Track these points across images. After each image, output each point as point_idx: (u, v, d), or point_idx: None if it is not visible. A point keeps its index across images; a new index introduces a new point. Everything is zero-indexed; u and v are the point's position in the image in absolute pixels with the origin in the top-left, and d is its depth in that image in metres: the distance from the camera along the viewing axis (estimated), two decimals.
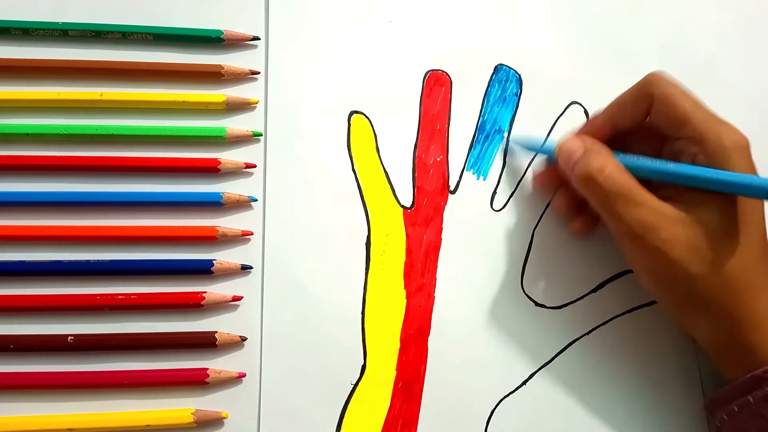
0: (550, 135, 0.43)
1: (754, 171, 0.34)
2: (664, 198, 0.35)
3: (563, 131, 0.40)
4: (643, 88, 0.36)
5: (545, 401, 0.38)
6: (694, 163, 0.35)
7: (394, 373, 0.38)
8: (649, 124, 0.37)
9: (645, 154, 0.37)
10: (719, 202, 0.34)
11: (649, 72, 0.37)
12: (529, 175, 0.42)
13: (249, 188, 0.40)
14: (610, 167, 0.35)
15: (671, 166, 0.35)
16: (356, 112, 0.41)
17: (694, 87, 0.44)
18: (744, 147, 0.34)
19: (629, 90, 0.37)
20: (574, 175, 0.36)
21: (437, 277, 0.39)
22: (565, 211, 0.40)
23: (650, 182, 0.36)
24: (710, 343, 0.36)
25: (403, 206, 0.40)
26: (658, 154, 0.37)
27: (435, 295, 0.39)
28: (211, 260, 0.38)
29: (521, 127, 0.42)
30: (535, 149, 0.42)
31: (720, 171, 0.34)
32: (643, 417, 0.39)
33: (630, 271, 0.41)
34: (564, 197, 0.40)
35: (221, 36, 0.41)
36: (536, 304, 0.40)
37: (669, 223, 0.34)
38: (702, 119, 0.35)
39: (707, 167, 0.34)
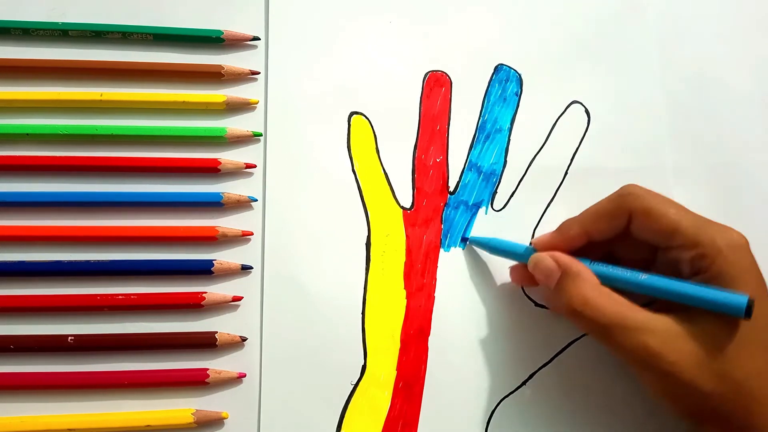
0: (512, 244, 0.39)
1: (754, 269, 0.33)
2: (661, 309, 0.33)
3: (536, 235, 0.39)
4: (619, 205, 0.35)
5: (545, 401, 0.38)
6: (693, 269, 0.33)
7: (395, 373, 0.38)
8: (634, 236, 0.35)
9: (634, 261, 0.35)
10: None
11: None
12: (529, 178, 0.42)
13: (249, 188, 0.40)
14: (594, 297, 0.33)
15: (646, 278, 0.33)
16: (356, 112, 0.41)
17: (694, 87, 0.44)
18: (741, 246, 0.33)
19: (604, 203, 0.36)
20: (558, 304, 0.35)
21: (437, 277, 0.39)
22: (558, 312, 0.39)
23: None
24: None
25: (402, 207, 0.40)
26: (649, 262, 0.36)
27: (435, 295, 0.39)
28: (211, 260, 0.38)
29: (479, 231, 0.40)
30: (501, 253, 0.39)
31: (697, 287, 0.32)
32: (643, 417, 0.39)
33: None
34: (552, 301, 0.38)
35: (221, 36, 0.41)
36: (536, 304, 0.40)
37: (672, 343, 0.32)
38: (691, 225, 0.33)
39: (701, 277, 0.33)
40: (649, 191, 0.35)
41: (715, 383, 0.31)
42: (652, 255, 0.36)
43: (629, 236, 0.35)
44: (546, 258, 0.35)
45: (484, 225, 0.41)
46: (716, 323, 0.32)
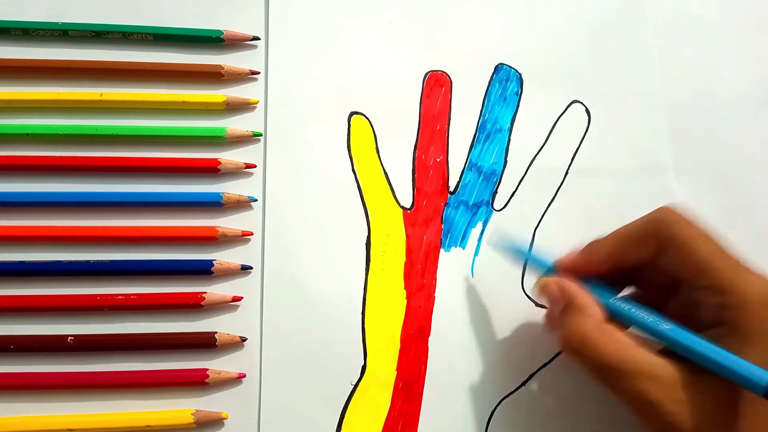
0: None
1: None
2: (665, 351, 0.31)
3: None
4: (651, 232, 0.32)
5: (545, 401, 0.38)
6: (714, 317, 0.30)
7: (395, 373, 0.38)
8: (661, 265, 0.32)
9: (654, 294, 0.33)
10: None
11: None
12: (529, 178, 0.42)
13: (249, 188, 0.40)
14: (593, 336, 0.31)
15: (667, 329, 0.31)
16: (356, 112, 0.41)
17: (694, 86, 0.44)
18: None
19: (635, 228, 0.33)
20: (557, 338, 0.33)
21: (437, 277, 0.39)
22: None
23: None
24: None
25: (402, 207, 0.40)
26: (671, 291, 0.33)
27: (435, 295, 0.39)
28: (211, 260, 0.38)
29: (504, 234, 0.40)
30: (523, 258, 0.39)
31: (719, 352, 0.29)
32: None
33: None
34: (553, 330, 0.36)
35: (221, 36, 0.41)
36: (536, 304, 0.40)
37: (674, 392, 0.29)
38: (723, 267, 0.30)
39: (721, 329, 0.30)
40: (685, 220, 0.32)
41: None
42: (676, 285, 0.32)
43: (657, 264, 0.33)
44: (551, 285, 0.34)
45: (484, 225, 0.41)
46: (728, 381, 0.29)
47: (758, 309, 0.29)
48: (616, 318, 0.33)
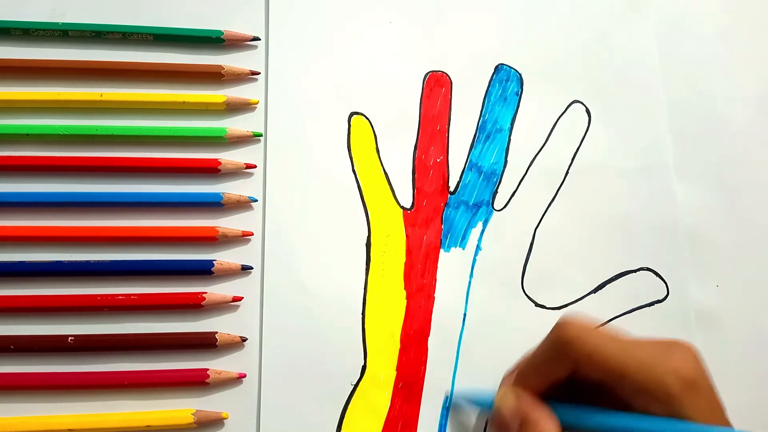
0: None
1: (713, 404, 0.30)
2: None
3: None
4: (562, 353, 0.31)
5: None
6: (650, 410, 0.30)
7: (395, 373, 0.38)
8: (581, 375, 0.31)
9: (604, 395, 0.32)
10: None
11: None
12: (530, 178, 0.42)
13: (249, 188, 0.40)
14: None
15: (624, 420, 0.30)
16: (356, 113, 0.41)
17: (694, 86, 0.44)
18: (692, 382, 0.29)
19: (546, 354, 0.32)
20: None
21: (437, 277, 0.39)
22: None
23: None
24: None
25: (402, 207, 0.40)
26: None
27: (435, 295, 0.39)
28: (211, 260, 0.38)
29: (464, 386, 0.38)
30: (483, 407, 0.36)
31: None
32: None
33: (629, 272, 0.41)
34: None
35: (221, 36, 0.41)
36: (536, 304, 0.40)
37: None
38: (637, 367, 0.29)
39: (665, 417, 0.29)
40: (588, 329, 0.31)
41: None
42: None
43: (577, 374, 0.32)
44: (509, 395, 0.33)
45: (484, 225, 0.41)
46: None
47: (682, 398, 0.29)
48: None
